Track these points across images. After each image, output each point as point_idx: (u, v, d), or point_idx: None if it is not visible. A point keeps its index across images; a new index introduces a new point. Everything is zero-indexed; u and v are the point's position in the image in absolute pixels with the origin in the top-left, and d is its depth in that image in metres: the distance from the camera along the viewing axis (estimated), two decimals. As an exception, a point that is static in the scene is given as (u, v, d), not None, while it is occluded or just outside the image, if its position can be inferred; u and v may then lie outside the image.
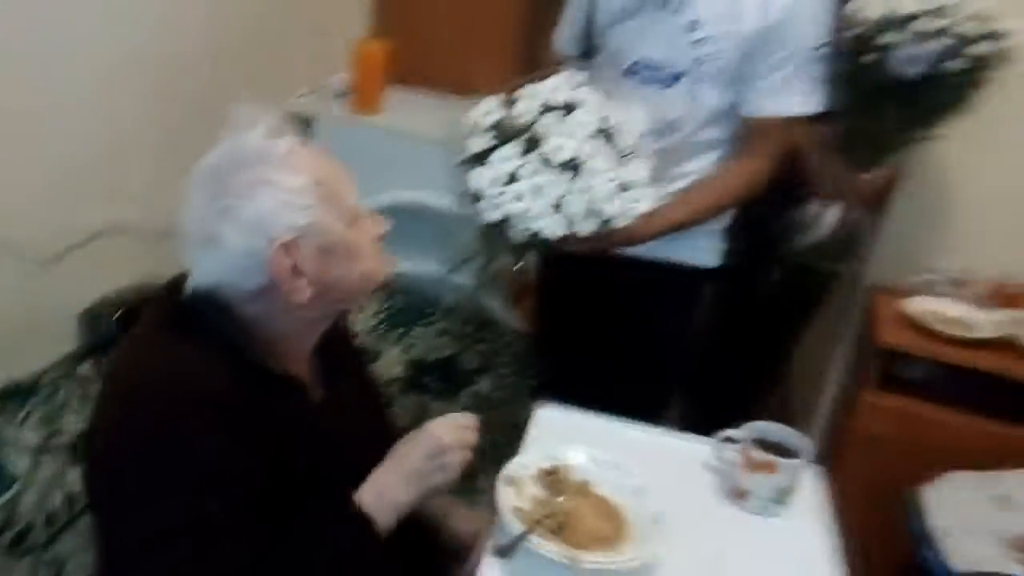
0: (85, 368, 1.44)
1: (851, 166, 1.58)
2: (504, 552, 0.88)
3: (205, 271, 0.88)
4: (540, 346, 1.68)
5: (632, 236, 1.23)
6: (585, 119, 1.13)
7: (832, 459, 1.88)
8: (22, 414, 1.31)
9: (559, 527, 0.91)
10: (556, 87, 1.16)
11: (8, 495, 1.20)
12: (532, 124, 1.13)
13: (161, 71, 1.59)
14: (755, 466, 1.01)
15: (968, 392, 1.73)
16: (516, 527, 0.88)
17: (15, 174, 1.35)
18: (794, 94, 1.29)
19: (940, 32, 1.38)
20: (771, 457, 1.00)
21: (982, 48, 1.41)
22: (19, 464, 1.23)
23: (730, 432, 1.06)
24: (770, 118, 1.30)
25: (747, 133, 1.33)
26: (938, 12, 1.41)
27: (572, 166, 1.11)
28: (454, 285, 1.79)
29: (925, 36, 1.40)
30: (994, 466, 1.59)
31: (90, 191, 1.52)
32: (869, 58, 1.42)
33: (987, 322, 1.75)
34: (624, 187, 1.13)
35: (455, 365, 1.79)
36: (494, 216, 1.14)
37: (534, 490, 0.96)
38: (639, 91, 1.34)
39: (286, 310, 0.89)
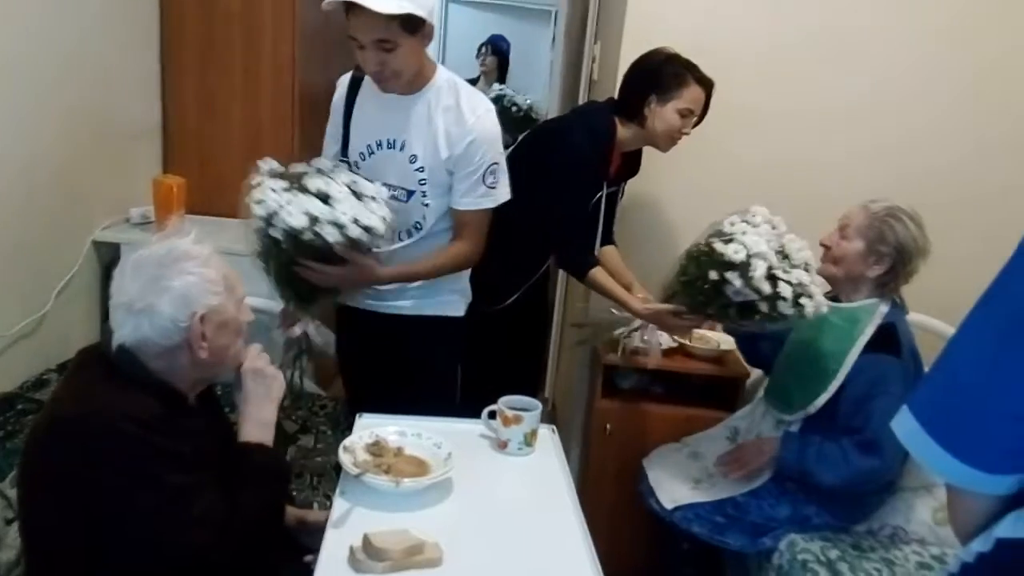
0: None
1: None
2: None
3: (134, 331, 1.22)
4: (352, 399, 2.11)
5: (375, 273, 1.74)
6: (341, 176, 1.67)
7: (587, 448, 2.46)
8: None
9: (386, 472, 1.34)
10: (322, 162, 1.73)
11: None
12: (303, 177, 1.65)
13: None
14: (508, 420, 1.52)
15: (661, 388, 2.40)
16: (355, 470, 1.30)
17: None
18: (478, 195, 1.80)
19: (766, 290, 1.74)
20: (518, 412, 1.52)
21: (785, 307, 1.76)
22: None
23: (491, 407, 1.57)
24: (467, 210, 1.82)
25: (457, 223, 1.86)
26: (773, 274, 1.76)
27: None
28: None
29: (755, 290, 1.74)
30: (686, 435, 2.23)
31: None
32: (713, 277, 1.78)
33: (667, 338, 2.44)
34: (356, 218, 1.59)
35: (279, 429, 2.13)
36: (294, 223, 1.57)
37: (364, 456, 1.39)
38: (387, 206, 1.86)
39: (184, 366, 1.26)
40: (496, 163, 1.82)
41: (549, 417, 2.55)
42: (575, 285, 2.66)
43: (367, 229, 1.60)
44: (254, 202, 1.61)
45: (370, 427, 1.51)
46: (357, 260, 1.67)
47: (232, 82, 2.69)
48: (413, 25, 1.65)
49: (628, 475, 2.21)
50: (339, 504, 1.30)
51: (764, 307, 1.78)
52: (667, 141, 2.18)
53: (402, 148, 1.81)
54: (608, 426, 2.34)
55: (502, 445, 1.54)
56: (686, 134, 2.17)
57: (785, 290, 1.75)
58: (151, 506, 1.16)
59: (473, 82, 4.57)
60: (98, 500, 1.16)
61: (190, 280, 1.23)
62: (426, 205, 1.84)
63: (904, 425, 0.78)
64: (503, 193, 1.86)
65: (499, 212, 1.89)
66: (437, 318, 1.94)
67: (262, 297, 2.17)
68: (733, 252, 1.76)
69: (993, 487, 0.74)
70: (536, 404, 1.56)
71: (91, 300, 2.33)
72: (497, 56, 4.83)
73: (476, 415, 1.61)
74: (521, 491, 1.48)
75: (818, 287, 1.82)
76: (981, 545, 0.77)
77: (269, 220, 1.59)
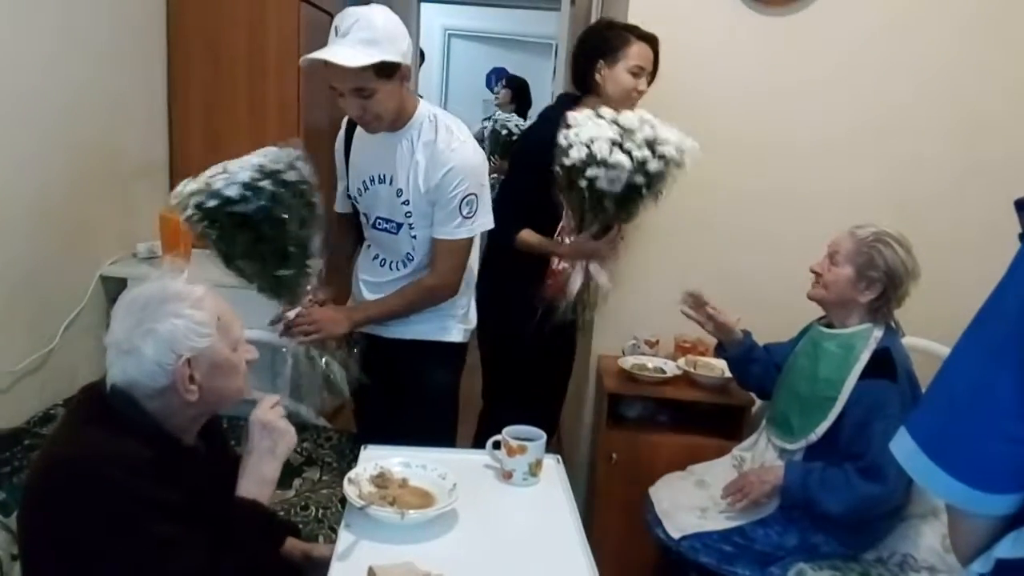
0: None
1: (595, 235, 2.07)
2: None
3: (123, 372, 1.21)
4: (359, 425, 2.16)
5: (343, 320, 1.82)
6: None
7: (593, 477, 2.45)
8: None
9: (391, 503, 1.34)
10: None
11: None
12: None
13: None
14: (512, 451, 1.52)
15: (666, 417, 2.40)
16: (360, 503, 1.30)
17: None
18: (454, 224, 1.84)
19: (625, 162, 1.85)
20: (522, 442, 1.52)
21: (654, 165, 1.88)
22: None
23: (495, 437, 1.57)
24: (442, 239, 1.86)
25: (434, 253, 1.89)
26: (621, 146, 1.86)
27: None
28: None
29: (615, 166, 1.84)
30: (692, 463, 2.22)
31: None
32: (582, 183, 1.89)
33: (672, 366, 2.45)
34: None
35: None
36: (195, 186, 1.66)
37: (369, 488, 1.39)
38: (381, 237, 1.94)
39: (178, 406, 1.25)
40: (474, 193, 1.84)
41: (555, 446, 2.54)
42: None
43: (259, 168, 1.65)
44: (172, 199, 1.68)
45: (375, 459, 1.51)
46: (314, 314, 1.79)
47: (238, 120, 2.74)
48: (388, 71, 1.70)
49: (634, 504, 2.19)
50: (344, 537, 1.30)
51: (640, 179, 1.88)
52: (625, 102, 2.20)
53: (390, 183, 1.87)
54: (613, 455, 2.34)
55: (507, 475, 1.54)
56: (642, 92, 2.22)
57: (642, 151, 1.86)
58: (129, 558, 1.14)
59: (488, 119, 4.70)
60: (80, 545, 1.14)
61: (176, 324, 1.20)
62: (414, 237, 1.89)
63: (903, 447, 0.79)
64: (483, 223, 1.88)
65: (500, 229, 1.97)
66: (432, 343, 1.97)
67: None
68: (577, 153, 1.88)
69: (993, 507, 0.75)
70: (540, 434, 1.56)
71: (98, 335, 2.31)
72: (511, 88, 4.90)
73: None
74: (526, 522, 1.48)
75: (671, 132, 1.92)
76: (981, 566, 0.77)
77: (185, 205, 1.64)
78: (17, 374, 1.98)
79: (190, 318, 1.21)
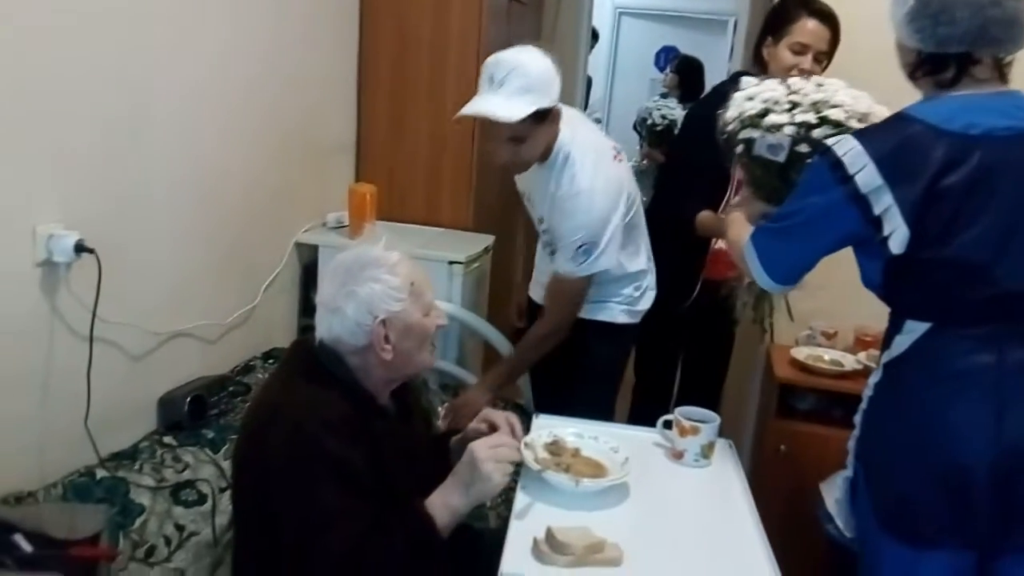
0: (168, 439, 1.85)
1: None
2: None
3: (328, 329, 1.33)
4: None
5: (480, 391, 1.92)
6: None
7: (757, 470, 2.38)
8: (136, 467, 1.70)
9: (564, 470, 1.37)
10: None
11: (139, 521, 1.58)
12: None
13: (210, 220, 2.08)
14: (685, 431, 1.51)
15: (841, 412, 2.27)
16: (536, 467, 1.35)
17: (121, 293, 1.75)
18: (570, 265, 1.84)
19: (786, 124, 1.55)
20: (696, 423, 1.50)
21: (821, 131, 1.54)
22: (142, 500, 1.62)
23: (667, 416, 1.57)
24: (557, 275, 1.89)
25: (548, 289, 1.95)
26: (780, 108, 1.57)
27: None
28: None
29: (775, 128, 1.55)
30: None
31: (164, 306, 1.96)
32: (739, 150, 1.59)
33: (852, 360, 2.32)
34: None
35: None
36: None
37: (543, 454, 1.43)
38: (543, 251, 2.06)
39: (375, 365, 1.34)
40: (592, 241, 1.81)
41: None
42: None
43: None
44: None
45: (547, 427, 1.55)
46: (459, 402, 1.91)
47: (419, 102, 2.82)
48: (542, 116, 1.72)
49: (802, 498, 2.09)
50: (521, 497, 1.35)
51: (804, 147, 1.51)
52: None
53: (534, 206, 1.97)
54: (782, 447, 2.25)
55: (677, 455, 1.53)
56: (805, 71, 1.94)
57: (805, 115, 1.52)
58: (296, 512, 1.22)
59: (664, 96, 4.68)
60: (268, 485, 1.25)
61: (374, 288, 1.29)
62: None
63: (749, 252, 1.42)
64: (602, 264, 1.85)
65: (669, 208, 2.08)
66: (595, 322, 2.01)
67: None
68: (732, 113, 1.59)
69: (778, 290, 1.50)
70: (714, 416, 1.54)
71: (292, 296, 2.55)
72: (678, 73, 4.77)
73: (652, 416, 1.63)
74: (699, 502, 1.47)
75: (850, 96, 1.54)
76: (874, 377, 1.49)
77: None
78: (226, 327, 2.19)
79: (386, 283, 1.30)
